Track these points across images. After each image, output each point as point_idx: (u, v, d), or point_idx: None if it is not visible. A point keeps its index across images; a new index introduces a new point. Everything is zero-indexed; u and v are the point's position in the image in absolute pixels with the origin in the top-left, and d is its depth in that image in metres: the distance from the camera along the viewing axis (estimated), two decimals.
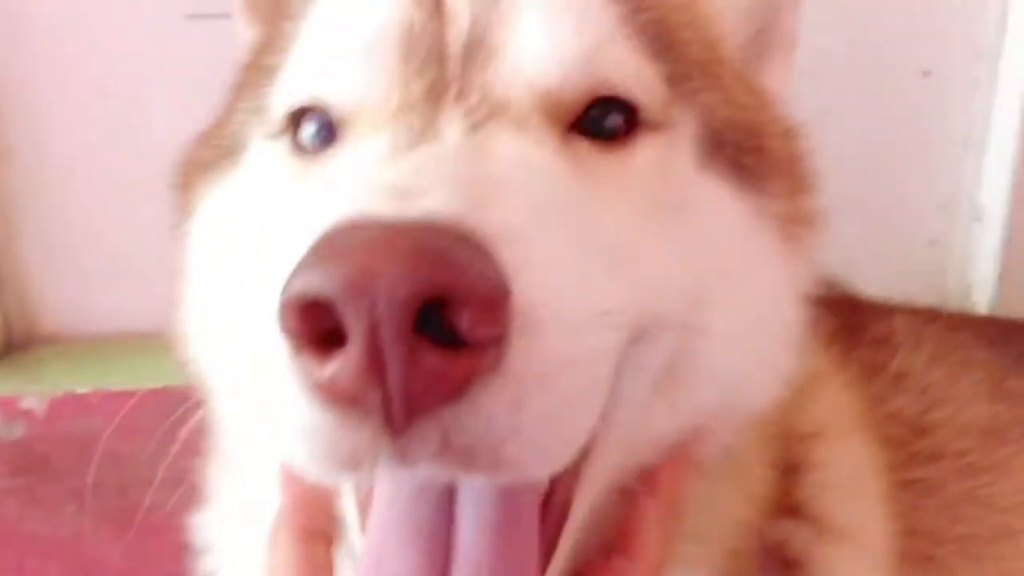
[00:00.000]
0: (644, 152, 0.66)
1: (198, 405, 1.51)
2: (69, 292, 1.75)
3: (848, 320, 1.18)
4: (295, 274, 0.44)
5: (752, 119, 0.76)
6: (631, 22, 0.68)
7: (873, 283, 1.77)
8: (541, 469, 0.50)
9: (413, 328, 0.43)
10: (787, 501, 0.92)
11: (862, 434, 1.05)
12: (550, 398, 0.48)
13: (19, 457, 1.59)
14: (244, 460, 0.82)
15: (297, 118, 0.67)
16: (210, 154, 0.79)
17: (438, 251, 0.44)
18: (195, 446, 1.58)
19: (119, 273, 1.74)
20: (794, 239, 0.76)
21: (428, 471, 0.47)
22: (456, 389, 0.44)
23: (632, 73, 0.66)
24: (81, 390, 1.58)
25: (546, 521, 0.58)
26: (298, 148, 0.67)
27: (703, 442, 0.72)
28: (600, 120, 0.65)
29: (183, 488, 1.60)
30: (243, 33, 0.91)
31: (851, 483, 0.99)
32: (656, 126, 0.67)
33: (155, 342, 1.70)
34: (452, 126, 0.58)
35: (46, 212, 1.70)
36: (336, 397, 0.44)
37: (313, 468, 0.49)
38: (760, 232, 0.73)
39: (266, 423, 0.68)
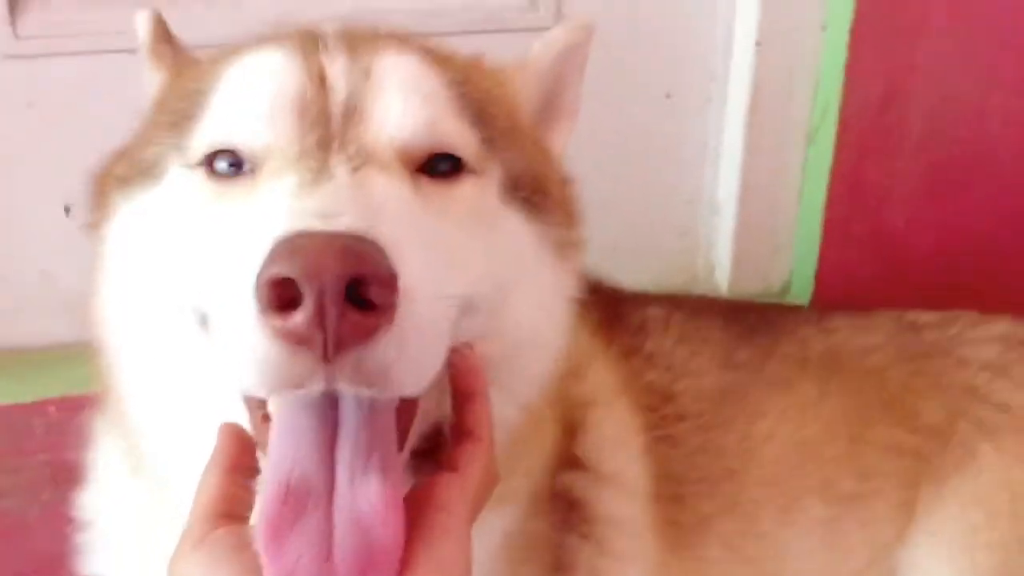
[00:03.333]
0: (464, 188, 0.89)
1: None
2: None
3: (610, 312, 1.42)
4: (267, 264, 0.65)
5: (539, 171, 1.00)
6: (458, 102, 0.92)
7: (636, 269, 2.01)
8: (413, 388, 0.72)
9: (343, 297, 0.64)
10: (569, 456, 1.17)
11: (624, 402, 1.31)
12: (419, 342, 0.70)
13: None
14: (144, 423, 0.98)
15: (212, 156, 0.86)
16: (127, 171, 0.96)
17: (358, 252, 0.66)
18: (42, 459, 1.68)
19: None
20: (565, 257, 1.01)
21: (343, 388, 0.69)
22: (367, 335, 0.66)
23: (458, 136, 0.90)
24: None
25: (400, 419, 0.80)
26: (213, 175, 0.86)
27: (514, 396, 0.97)
28: (436, 165, 0.88)
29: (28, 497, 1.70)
30: (148, 74, 1.10)
31: (617, 440, 1.25)
32: (473, 171, 0.91)
33: None
34: (340, 168, 0.79)
35: None
36: (292, 339, 0.65)
37: (264, 388, 0.70)
38: (542, 249, 0.98)
39: (171, 384, 0.92)
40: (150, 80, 1.09)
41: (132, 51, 1.60)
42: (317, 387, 0.68)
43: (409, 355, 0.69)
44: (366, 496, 0.72)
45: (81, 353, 1.76)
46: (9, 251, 1.79)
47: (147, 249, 0.92)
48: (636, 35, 1.94)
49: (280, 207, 0.74)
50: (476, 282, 0.84)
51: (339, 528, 0.71)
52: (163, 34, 1.11)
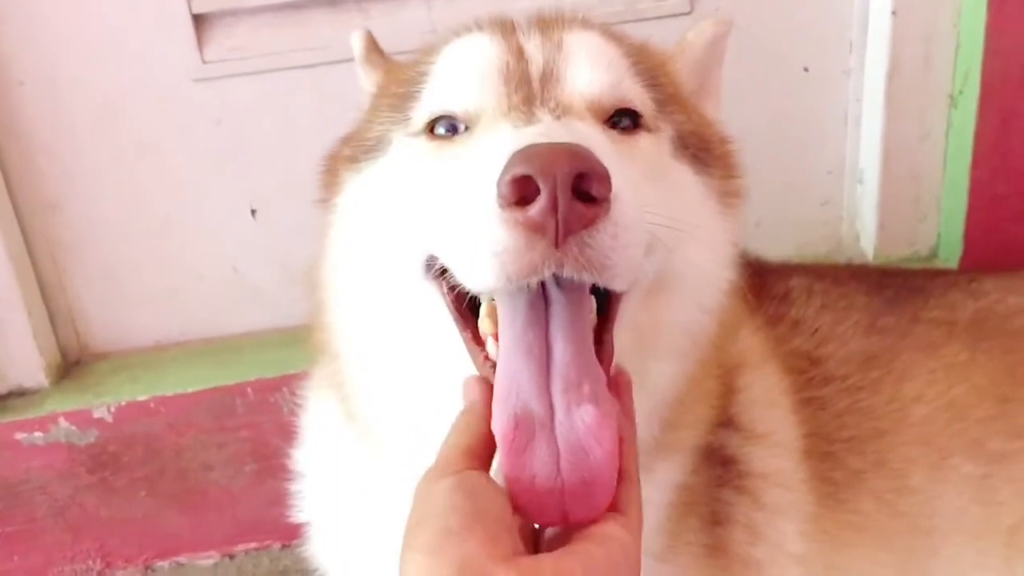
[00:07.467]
0: (642, 142, 1.03)
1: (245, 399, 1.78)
2: (112, 316, 2.00)
3: (755, 282, 1.40)
4: (508, 167, 0.77)
5: (702, 131, 1.13)
6: (634, 69, 1.05)
7: (780, 241, 2.07)
8: (623, 278, 0.83)
9: (572, 190, 0.76)
10: (723, 416, 1.25)
11: (771, 365, 1.37)
12: (628, 235, 0.81)
13: (94, 458, 1.86)
14: (361, 374, 1.12)
15: (432, 123, 1.02)
16: (354, 151, 1.12)
17: (583, 153, 0.77)
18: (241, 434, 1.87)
19: (151, 297, 2.01)
20: (728, 206, 1.13)
21: (569, 272, 0.79)
22: (589, 222, 0.78)
23: (637, 96, 1.04)
24: (141, 397, 1.85)
25: (601, 345, 0.90)
26: (434, 138, 1.02)
27: (689, 335, 1.08)
28: (619, 121, 1.02)
29: (233, 469, 1.89)
30: (363, 78, 1.28)
31: (767, 400, 1.33)
32: (649, 129, 1.04)
33: (186, 348, 1.98)
34: (545, 117, 0.93)
35: (88, 254, 1.95)
36: (530, 226, 0.77)
37: (504, 277, 0.80)
38: (708, 199, 1.10)
39: (393, 332, 1.04)
40: (366, 82, 1.27)
41: (305, 67, 1.80)
42: (548, 271, 0.80)
43: (622, 244, 0.81)
44: (581, 419, 0.83)
45: (269, 340, 1.97)
46: (205, 251, 1.99)
47: (376, 208, 1.07)
48: (772, 11, 1.98)
49: (505, 138, 0.88)
50: (658, 220, 0.94)
51: (563, 448, 0.82)
52: (372, 46, 1.29)
